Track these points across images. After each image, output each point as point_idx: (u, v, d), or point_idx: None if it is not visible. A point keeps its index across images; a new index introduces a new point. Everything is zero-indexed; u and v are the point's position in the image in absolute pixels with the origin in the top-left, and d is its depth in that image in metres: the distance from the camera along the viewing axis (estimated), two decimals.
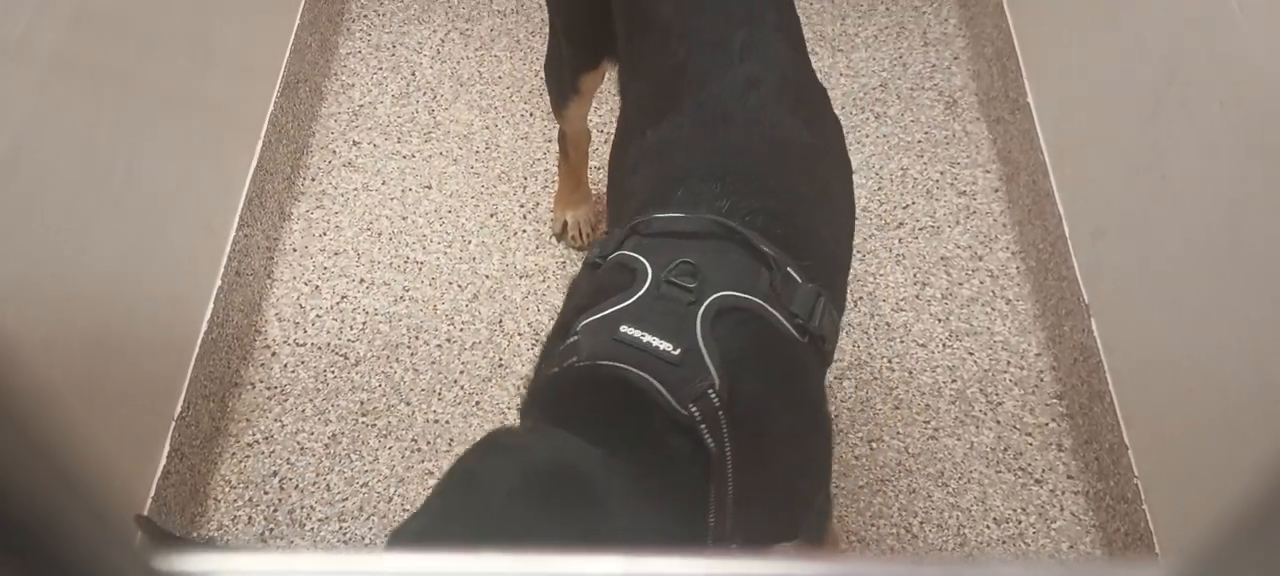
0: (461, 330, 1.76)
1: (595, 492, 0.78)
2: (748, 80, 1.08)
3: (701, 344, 0.86)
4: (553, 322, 1.02)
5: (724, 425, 0.84)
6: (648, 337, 0.85)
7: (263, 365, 1.73)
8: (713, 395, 0.84)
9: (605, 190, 1.28)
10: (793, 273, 0.96)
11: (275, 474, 1.62)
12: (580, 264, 1.81)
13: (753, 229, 0.96)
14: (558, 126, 1.75)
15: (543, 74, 1.72)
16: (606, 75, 1.53)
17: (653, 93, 1.17)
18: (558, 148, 1.79)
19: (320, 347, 1.75)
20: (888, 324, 1.76)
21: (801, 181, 1.06)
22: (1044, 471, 1.61)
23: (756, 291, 0.91)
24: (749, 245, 0.95)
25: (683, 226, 0.96)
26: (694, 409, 0.83)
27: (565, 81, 1.55)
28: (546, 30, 1.56)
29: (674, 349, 0.84)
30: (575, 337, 0.89)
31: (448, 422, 1.66)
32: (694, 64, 1.12)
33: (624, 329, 0.85)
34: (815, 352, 0.96)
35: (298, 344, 1.76)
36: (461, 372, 1.72)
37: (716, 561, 0.28)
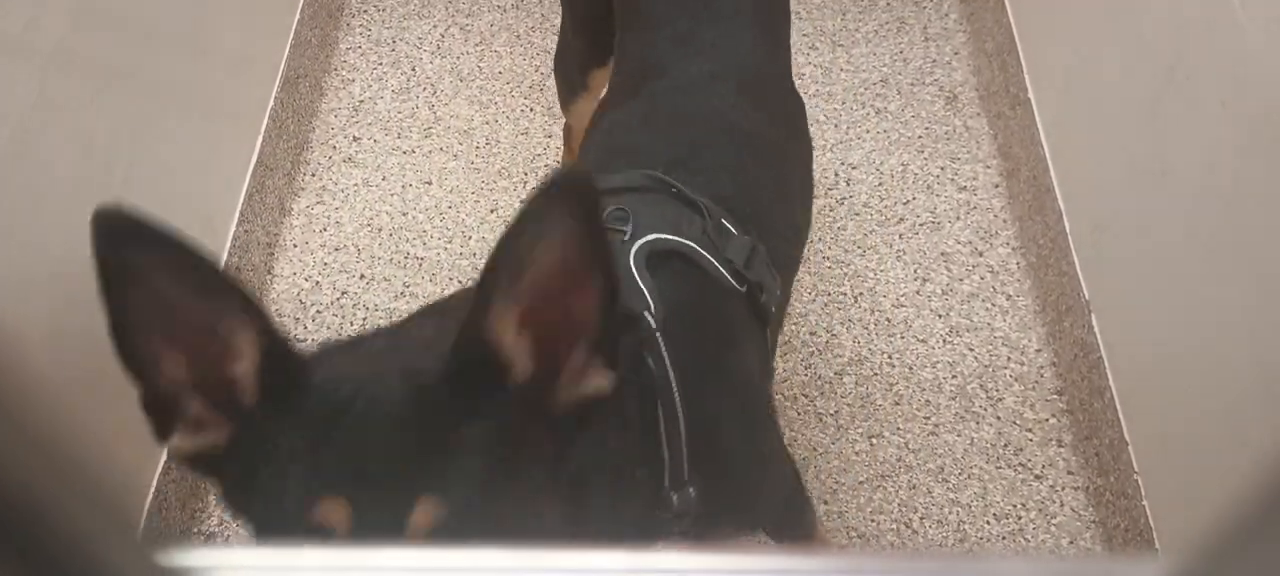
0: None
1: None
2: (709, 73, 1.12)
3: (635, 273, 0.88)
4: None
5: (663, 347, 0.85)
6: None
7: None
8: (649, 316, 0.85)
9: None
10: (727, 224, 0.97)
11: None
12: None
13: (691, 185, 0.99)
14: (562, 122, 1.75)
15: (548, 66, 1.72)
16: None
17: (621, 83, 1.20)
18: (563, 143, 1.79)
19: (321, 343, 1.75)
20: (888, 320, 1.76)
21: (749, 163, 1.08)
22: (1044, 467, 1.61)
23: (689, 236, 0.94)
24: (682, 196, 0.97)
25: (616, 182, 0.98)
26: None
27: (574, 77, 1.55)
28: (546, 25, 1.56)
29: None
30: None
31: None
32: (662, 55, 1.15)
33: None
34: (752, 303, 0.98)
35: (298, 340, 1.76)
36: None
37: (717, 558, 0.28)
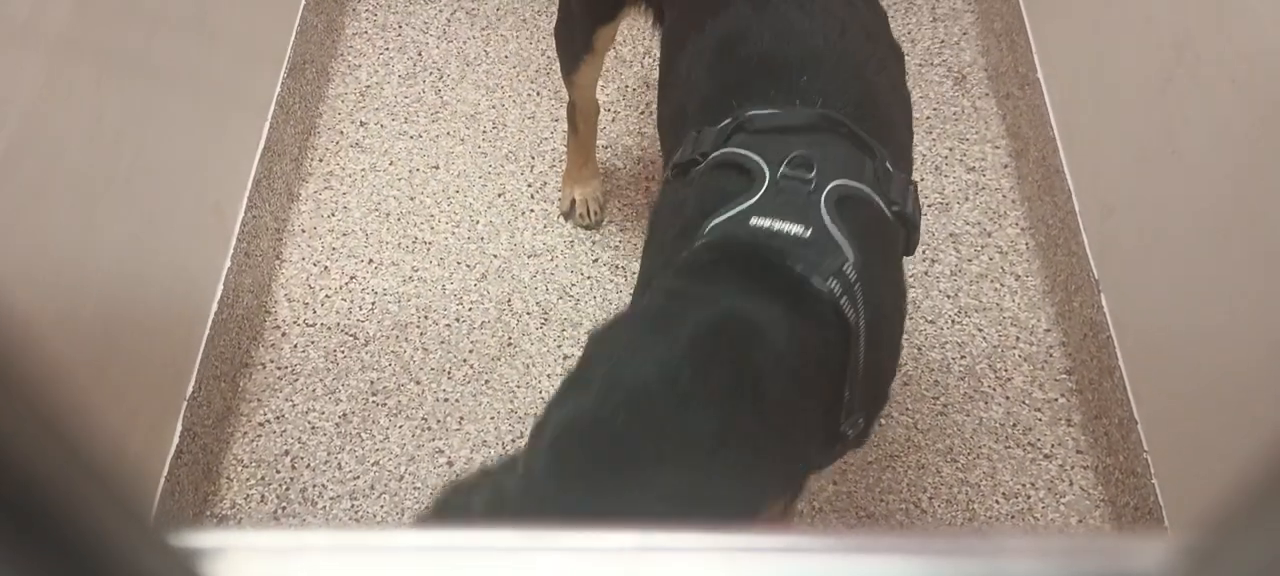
0: (470, 309, 1.77)
1: (767, 347, 0.84)
2: None
3: (829, 224, 0.89)
4: (651, 238, 1.06)
5: (860, 296, 0.88)
6: (777, 225, 0.88)
7: (273, 345, 1.74)
8: (849, 269, 0.87)
9: (656, 120, 1.25)
10: (886, 164, 0.98)
11: (287, 453, 1.63)
12: (589, 244, 1.82)
13: (848, 116, 0.98)
14: (566, 102, 1.74)
15: (551, 40, 1.70)
16: (620, 31, 1.49)
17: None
18: (567, 124, 1.78)
19: (330, 328, 1.76)
20: None
21: (870, 67, 1.06)
22: (1053, 446, 1.61)
23: (863, 180, 0.94)
24: (853, 136, 0.97)
25: (788, 120, 0.97)
26: (833, 282, 0.86)
27: (577, 40, 1.51)
28: (552, 8, 1.56)
29: (805, 231, 0.88)
30: (704, 240, 0.91)
31: (457, 401, 1.67)
32: None
33: (754, 221, 0.89)
34: (906, 238, 1.00)
35: (307, 324, 1.76)
36: (470, 352, 1.72)
37: (728, 537, 0.29)
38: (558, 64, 1.66)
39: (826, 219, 0.89)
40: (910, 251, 1.03)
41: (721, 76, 1.06)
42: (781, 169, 0.91)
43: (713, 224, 0.91)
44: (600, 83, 1.75)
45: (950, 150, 1.95)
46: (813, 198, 0.90)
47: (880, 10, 1.19)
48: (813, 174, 0.90)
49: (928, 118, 2.00)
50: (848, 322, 0.87)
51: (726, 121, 0.99)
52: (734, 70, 1.05)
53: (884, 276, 0.96)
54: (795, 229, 0.87)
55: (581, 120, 1.74)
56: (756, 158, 0.93)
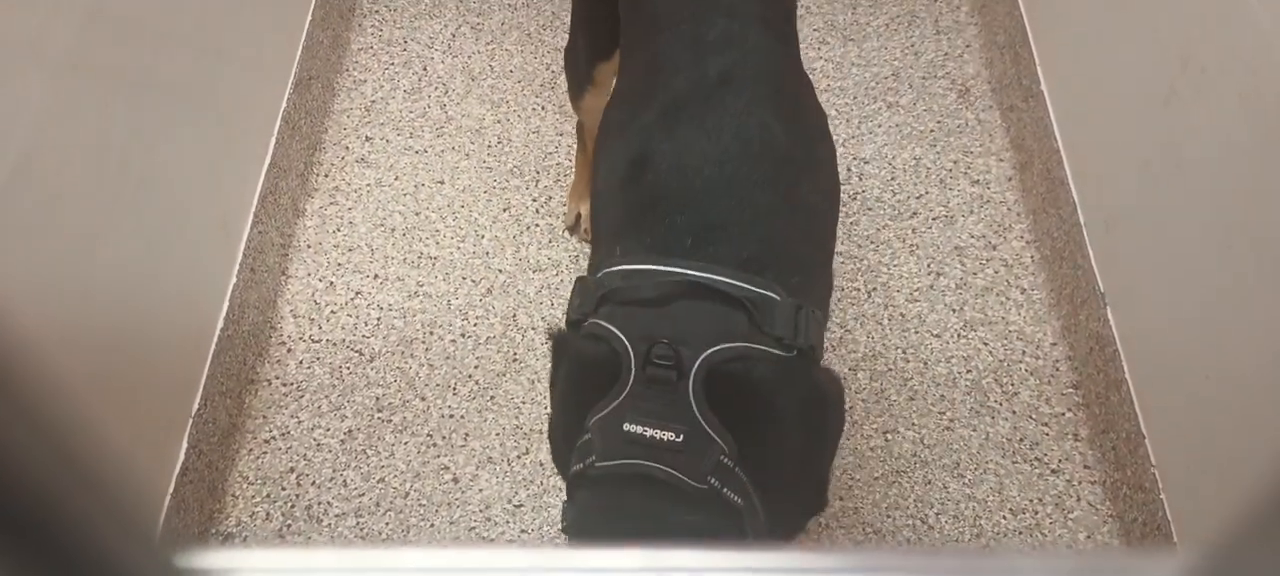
0: (475, 325, 1.77)
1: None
2: (720, 75, 1.07)
3: (700, 418, 0.91)
4: (552, 397, 1.09)
5: (744, 477, 0.90)
6: (650, 432, 0.91)
7: (278, 361, 1.74)
8: (726, 459, 0.90)
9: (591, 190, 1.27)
10: (768, 293, 0.97)
11: (292, 470, 1.62)
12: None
13: (722, 259, 0.97)
14: (575, 120, 1.74)
15: (559, 64, 1.71)
16: None
17: (630, 87, 1.17)
18: (576, 139, 1.78)
19: (335, 343, 1.76)
20: (902, 315, 1.76)
21: (773, 188, 1.05)
22: (1060, 461, 1.60)
23: (736, 336, 0.94)
24: (718, 294, 0.96)
25: (648, 295, 0.98)
26: (712, 480, 0.89)
27: (581, 71, 1.54)
28: (557, 23, 1.56)
29: (676, 437, 0.90)
30: (588, 436, 0.94)
31: (463, 417, 1.66)
32: (668, 57, 1.11)
33: (627, 427, 0.91)
34: (804, 359, 0.98)
35: (313, 340, 1.76)
36: (476, 367, 1.72)
37: (734, 554, 0.28)
38: (564, 82, 1.67)
39: (697, 412, 0.91)
40: (816, 359, 1.02)
41: (626, 200, 1.07)
42: (648, 362, 0.92)
43: (593, 420, 0.94)
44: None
45: (955, 163, 1.95)
46: (680, 389, 0.91)
47: (809, 113, 1.17)
48: (674, 361, 0.92)
49: (932, 131, 2.00)
50: (736, 507, 0.90)
51: (602, 274, 1.02)
52: (636, 195, 1.06)
53: (782, 422, 0.97)
54: (666, 436, 0.90)
55: (589, 139, 1.74)
56: (620, 335, 0.95)
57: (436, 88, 2.11)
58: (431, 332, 1.76)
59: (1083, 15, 1.78)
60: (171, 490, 1.46)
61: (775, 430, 0.97)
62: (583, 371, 1.00)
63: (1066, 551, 1.54)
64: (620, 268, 1.01)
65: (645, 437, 0.91)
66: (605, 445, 0.93)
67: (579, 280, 1.06)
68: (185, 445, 1.50)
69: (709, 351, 0.93)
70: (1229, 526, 0.24)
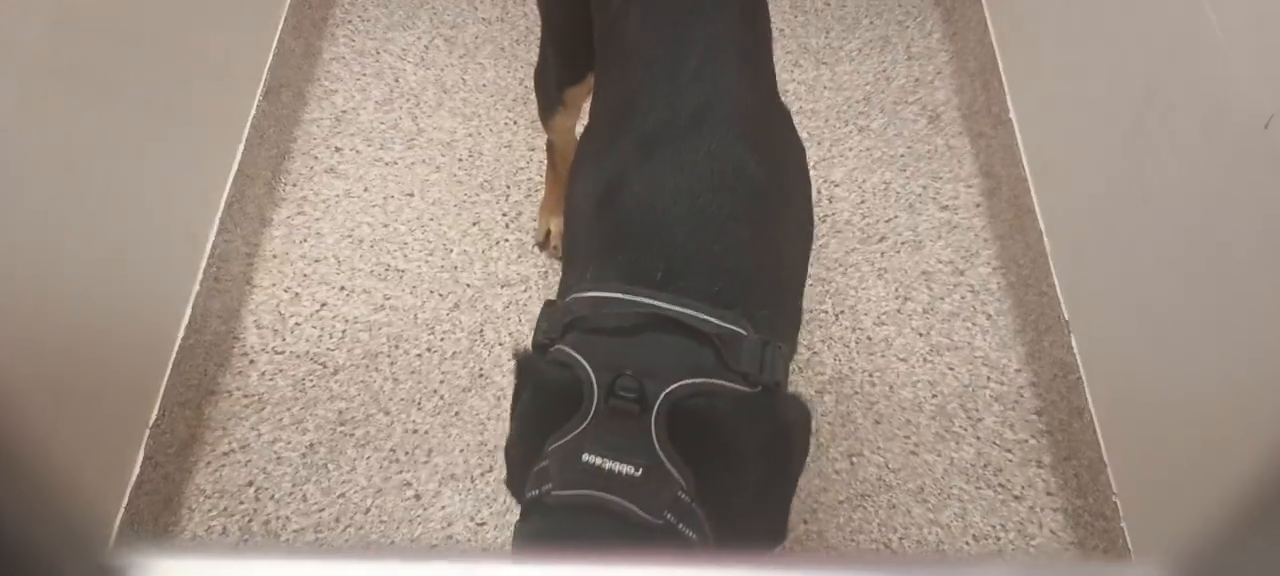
0: (442, 339, 1.75)
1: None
2: (695, 110, 1.07)
3: (660, 453, 0.90)
4: (514, 414, 1.07)
5: (701, 515, 0.90)
6: (609, 465, 0.90)
7: (240, 372, 1.72)
8: (683, 495, 0.89)
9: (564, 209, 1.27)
10: (736, 329, 0.97)
11: (251, 483, 1.60)
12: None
13: (691, 292, 0.97)
14: (546, 136, 1.74)
15: (531, 82, 1.71)
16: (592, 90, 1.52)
17: (606, 117, 1.17)
18: (546, 155, 1.78)
19: (299, 355, 1.73)
20: (869, 338, 1.76)
21: (745, 223, 1.05)
22: (1023, 488, 1.61)
23: (701, 371, 0.94)
24: (685, 328, 0.96)
25: (615, 324, 0.97)
26: (669, 514, 0.88)
27: (551, 94, 1.54)
28: (531, 38, 1.56)
29: (635, 470, 0.89)
30: (545, 463, 0.93)
31: (427, 432, 1.65)
32: (645, 90, 1.11)
33: (586, 457, 0.90)
34: (769, 396, 0.98)
35: (276, 351, 1.74)
36: (441, 382, 1.70)
37: (707, 567, 0.28)
38: (536, 98, 1.67)
39: (657, 446, 0.90)
40: (780, 391, 1.02)
41: (599, 228, 1.07)
42: (611, 393, 0.92)
43: (551, 447, 0.93)
44: (579, 122, 1.75)
45: (924, 188, 1.96)
46: (642, 422, 0.91)
47: (785, 148, 1.17)
48: (639, 393, 0.91)
49: (902, 156, 2.01)
50: (691, 543, 0.90)
51: (570, 299, 1.02)
52: (608, 223, 1.06)
53: (743, 460, 0.97)
54: (626, 469, 0.89)
55: (560, 158, 1.74)
56: (584, 364, 0.95)
57: (408, 99, 2.10)
58: (397, 346, 1.74)
59: (1052, 45, 1.80)
60: (126, 502, 1.43)
61: (735, 467, 0.97)
62: (545, 397, 0.99)
63: (1049, 557, 1.55)
64: (589, 294, 1.01)
65: (604, 469, 0.90)
66: (563, 474, 0.92)
67: (547, 304, 1.05)
68: (141, 456, 1.47)
69: (673, 386, 0.92)
70: (1205, 536, 0.24)
